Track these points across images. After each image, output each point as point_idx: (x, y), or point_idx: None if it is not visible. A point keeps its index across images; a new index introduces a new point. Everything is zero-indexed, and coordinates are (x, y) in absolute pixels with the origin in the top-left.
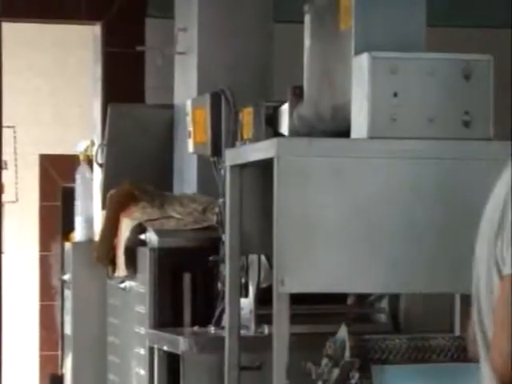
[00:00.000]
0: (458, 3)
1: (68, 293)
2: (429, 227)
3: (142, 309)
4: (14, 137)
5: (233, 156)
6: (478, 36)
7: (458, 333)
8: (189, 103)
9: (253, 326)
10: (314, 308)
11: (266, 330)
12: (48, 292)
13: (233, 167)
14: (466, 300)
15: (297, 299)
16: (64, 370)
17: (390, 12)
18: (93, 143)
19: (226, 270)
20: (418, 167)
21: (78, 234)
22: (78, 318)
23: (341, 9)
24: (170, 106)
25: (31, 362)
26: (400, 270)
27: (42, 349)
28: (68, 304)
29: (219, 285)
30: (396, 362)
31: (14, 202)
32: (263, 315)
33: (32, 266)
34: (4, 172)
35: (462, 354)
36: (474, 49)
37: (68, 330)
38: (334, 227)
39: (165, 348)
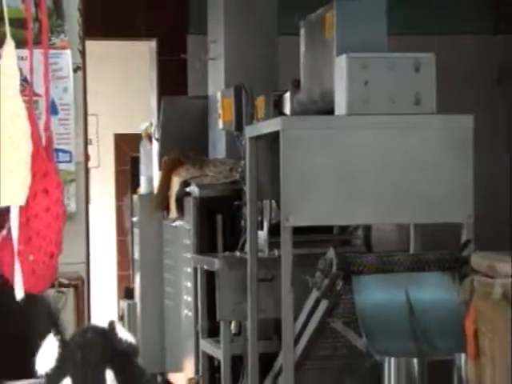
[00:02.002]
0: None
1: (136, 230)
2: (391, 175)
3: (188, 240)
4: (97, 122)
5: (250, 130)
6: (425, 40)
7: (412, 251)
8: (219, 94)
9: (266, 250)
10: (310, 237)
11: (276, 253)
12: (122, 230)
13: (250, 138)
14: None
15: (297, 231)
16: (134, 285)
17: (360, 25)
18: (151, 124)
19: (247, 211)
20: (383, 134)
21: (142, 189)
22: (143, 248)
23: (326, 24)
24: (205, 97)
25: (111, 279)
26: (372, 206)
27: (118, 269)
28: (136, 238)
29: (242, 222)
30: (369, 273)
31: (96, 167)
32: (274, 242)
33: (110, 212)
34: (90, 147)
35: (415, 266)
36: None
37: (136, 255)
38: (325, 178)
39: (205, 267)
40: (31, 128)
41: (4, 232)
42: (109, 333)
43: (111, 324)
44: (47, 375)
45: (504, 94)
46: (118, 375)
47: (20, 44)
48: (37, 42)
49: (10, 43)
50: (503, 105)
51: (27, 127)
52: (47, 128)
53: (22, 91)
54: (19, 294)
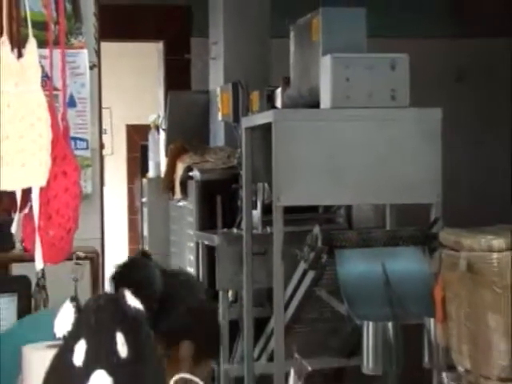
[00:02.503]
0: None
1: (145, 210)
2: (369, 161)
3: (191, 218)
4: (110, 114)
5: (246, 122)
6: (399, 43)
7: (388, 228)
8: (218, 90)
9: (260, 227)
10: (298, 215)
11: (269, 230)
12: (133, 210)
13: (246, 129)
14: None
15: (287, 210)
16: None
17: (343, 29)
18: (159, 116)
19: (243, 192)
20: (362, 125)
21: (151, 173)
22: (151, 225)
23: (313, 28)
24: (206, 92)
25: (123, 253)
26: (353, 189)
27: (129, 244)
28: (145, 216)
29: (238, 202)
30: (350, 247)
31: (110, 154)
32: (267, 221)
33: (123, 193)
34: (104, 136)
35: (391, 241)
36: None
37: (145, 232)
38: (311, 164)
39: (206, 242)
40: (51, 118)
41: (26, 210)
42: (119, 300)
43: (121, 292)
44: (64, 337)
45: (463, 90)
46: (128, 337)
47: (41, 44)
48: (56, 43)
49: (32, 43)
50: (464, 99)
51: (48, 117)
52: (64, 118)
53: (44, 86)
54: (39, 264)
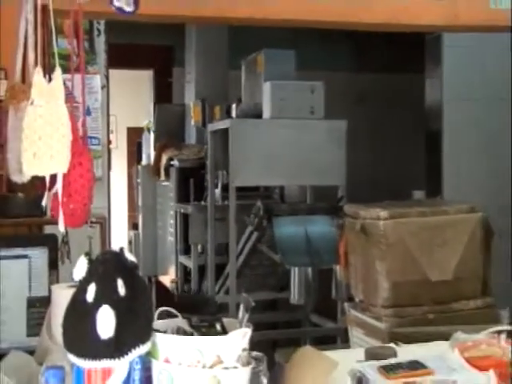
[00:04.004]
0: (305, 59)
1: (139, 187)
2: (295, 155)
3: (171, 194)
4: (115, 119)
5: (211, 127)
6: (316, 74)
7: (308, 202)
8: (191, 104)
9: (220, 201)
10: (247, 193)
11: (226, 202)
12: (131, 187)
13: (211, 132)
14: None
15: (239, 189)
16: (138, 221)
17: (278, 64)
18: (149, 121)
19: (208, 176)
20: (291, 130)
21: (143, 162)
22: (144, 198)
23: (258, 63)
24: (183, 105)
25: (123, 219)
26: (284, 174)
27: (128, 211)
28: (139, 192)
29: (205, 183)
30: (282, 215)
31: (115, 148)
32: (225, 196)
33: (124, 176)
34: (111, 135)
35: (310, 211)
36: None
37: (140, 203)
38: (256, 157)
39: (182, 211)
40: (71, 124)
41: (54, 189)
42: (120, 254)
43: (121, 249)
44: (80, 281)
45: (363, 109)
46: (125, 282)
47: (65, 71)
48: (78, 70)
49: (58, 71)
50: (363, 115)
51: (69, 123)
52: (84, 124)
53: (67, 101)
54: (61, 228)
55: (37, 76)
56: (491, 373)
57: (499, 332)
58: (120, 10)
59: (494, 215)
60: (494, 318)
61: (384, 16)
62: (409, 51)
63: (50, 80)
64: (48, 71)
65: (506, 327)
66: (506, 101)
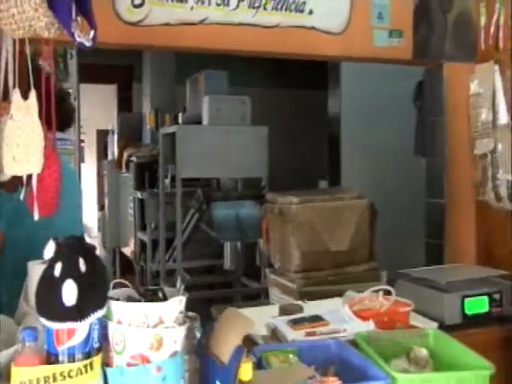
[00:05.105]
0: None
1: (106, 177)
2: (228, 153)
3: (131, 183)
4: (88, 123)
5: (162, 130)
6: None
7: (239, 190)
8: (147, 112)
9: (169, 189)
10: (190, 183)
11: (174, 190)
12: (100, 176)
13: (162, 134)
14: (240, 178)
15: (184, 180)
16: (105, 204)
17: (215, 82)
18: (114, 125)
19: (160, 169)
20: (225, 134)
21: (109, 157)
22: (109, 186)
23: (199, 81)
24: (140, 113)
25: (93, 202)
26: (219, 168)
27: (98, 196)
28: (105, 181)
29: (157, 174)
30: (218, 200)
31: (87, 146)
32: (173, 185)
33: (93, 168)
34: (83, 136)
35: (241, 197)
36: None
37: (106, 189)
38: (197, 154)
39: (138, 196)
40: (43, 133)
41: (30, 186)
42: (81, 239)
43: (82, 235)
44: (49, 260)
45: (279, 118)
46: (86, 261)
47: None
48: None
49: (33, 91)
50: (279, 123)
51: (41, 133)
52: (53, 132)
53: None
54: (36, 216)
55: (15, 95)
56: (371, 322)
57: (379, 290)
58: (81, 44)
59: (378, 200)
60: (377, 278)
61: (296, 48)
62: (316, 72)
63: (25, 98)
64: (25, 92)
65: (384, 286)
66: (389, 114)
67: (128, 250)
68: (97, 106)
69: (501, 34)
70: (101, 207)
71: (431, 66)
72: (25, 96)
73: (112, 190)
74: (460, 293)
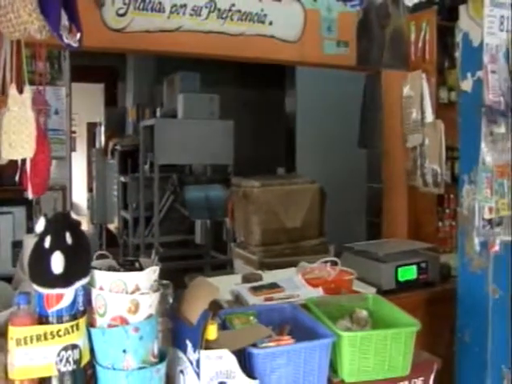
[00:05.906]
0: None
1: (94, 164)
2: (198, 143)
3: (115, 168)
4: (78, 116)
5: (142, 123)
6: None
7: (208, 175)
8: (129, 107)
9: (148, 174)
10: (167, 169)
11: (152, 175)
12: (89, 163)
13: (143, 126)
14: (209, 164)
15: (162, 166)
16: (93, 186)
17: (188, 83)
18: (101, 118)
19: (140, 156)
20: (196, 126)
21: (97, 146)
22: (97, 172)
23: (175, 81)
24: (124, 107)
25: (84, 185)
26: (192, 155)
27: (87, 179)
28: (94, 167)
29: (138, 161)
30: (191, 184)
31: (78, 136)
32: (151, 170)
33: (83, 155)
34: (75, 127)
35: (210, 181)
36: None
37: (94, 174)
38: (173, 143)
39: (122, 180)
40: (36, 124)
41: (24, 168)
42: (67, 215)
43: (68, 211)
44: (40, 233)
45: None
46: (72, 235)
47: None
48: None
49: (27, 86)
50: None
51: (34, 124)
52: (45, 124)
53: (35, 105)
54: (30, 195)
55: (12, 90)
56: (320, 288)
57: (327, 261)
58: (68, 45)
59: (327, 185)
60: (326, 251)
61: (258, 53)
62: (276, 75)
63: (21, 92)
64: (20, 86)
65: (331, 258)
66: (337, 111)
67: (113, 226)
68: (87, 102)
69: (427, 48)
70: (90, 189)
71: (372, 72)
72: (20, 91)
73: (99, 175)
74: (394, 263)
